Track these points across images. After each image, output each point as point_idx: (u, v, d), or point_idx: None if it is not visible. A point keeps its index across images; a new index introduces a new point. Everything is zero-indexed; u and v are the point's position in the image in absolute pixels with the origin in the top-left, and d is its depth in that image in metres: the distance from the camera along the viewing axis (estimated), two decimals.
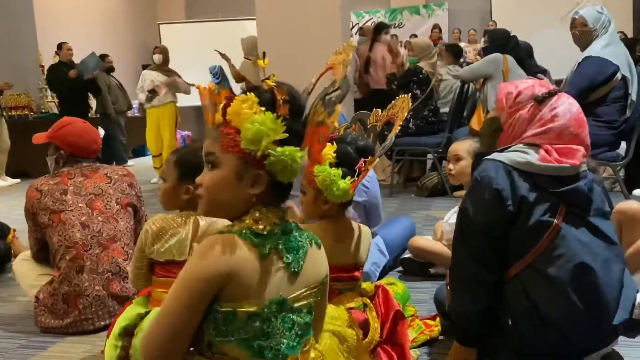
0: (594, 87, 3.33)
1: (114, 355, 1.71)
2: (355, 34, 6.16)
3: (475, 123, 4.41)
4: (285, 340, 1.06)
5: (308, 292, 1.11)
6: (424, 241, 2.67)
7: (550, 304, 1.59)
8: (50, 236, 2.29)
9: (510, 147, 1.72)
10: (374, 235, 2.69)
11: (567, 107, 1.67)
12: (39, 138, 2.41)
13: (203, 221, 1.76)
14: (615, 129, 3.39)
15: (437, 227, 2.76)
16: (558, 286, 1.58)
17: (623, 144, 3.53)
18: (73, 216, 2.27)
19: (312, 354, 1.13)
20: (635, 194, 3.52)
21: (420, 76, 4.73)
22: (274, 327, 1.05)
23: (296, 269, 1.09)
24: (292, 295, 1.08)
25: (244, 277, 1.03)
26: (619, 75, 3.34)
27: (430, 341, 1.97)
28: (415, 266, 2.69)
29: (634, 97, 3.38)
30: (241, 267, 1.03)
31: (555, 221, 1.61)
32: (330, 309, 1.58)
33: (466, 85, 4.91)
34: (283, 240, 1.09)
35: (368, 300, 1.81)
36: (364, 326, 1.69)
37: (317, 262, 1.15)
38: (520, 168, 1.64)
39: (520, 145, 1.70)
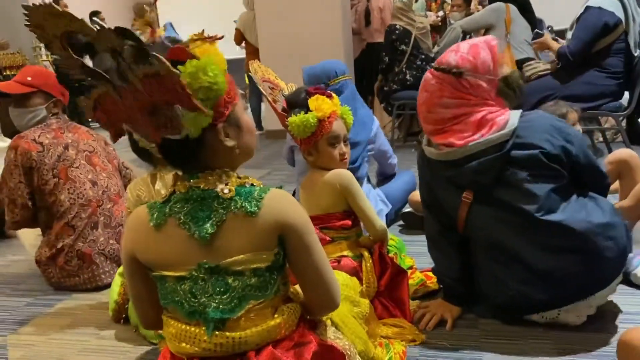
0: (597, 37, 3.29)
1: (115, 291, 1.95)
2: None
3: None
4: (213, 304, 1.03)
5: (251, 257, 1.04)
6: None
7: (490, 267, 1.69)
8: (56, 194, 2.24)
9: None
10: (375, 188, 2.71)
11: (419, 90, 1.72)
12: (12, 87, 2.27)
13: (162, 177, 1.80)
14: (618, 79, 3.37)
15: None
16: (482, 258, 1.69)
17: (626, 94, 3.50)
18: (81, 174, 2.29)
19: (277, 315, 1.08)
20: None
21: (397, 32, 4.70)
22: (202, 290, 1.04)
23: (203, 242, 1.03)
24: (225, 261, 1.03)
25: (143, 250, 1.08)
26: (620, 28, 3.30)
27: (431, 292, 1.99)
28: (416, 220, 2.71)
29: (636, 38, 3.33)
30: (138, 241, 1.09)
31: (463, 200, 1.66)
32: (343, 277, 1.59)
33: (468, 37, 4.82)
34: (187, 210, 1.05)
35: (366, 252, 1.82)
36: (353, 275, 1.71)
37: (250, 231, 1.04)
38: (425, 153, 1.73)
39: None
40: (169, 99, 0.95)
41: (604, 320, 1.71)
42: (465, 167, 1.61)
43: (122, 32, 0.90)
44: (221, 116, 1.03)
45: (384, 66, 4.82)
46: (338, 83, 2.53)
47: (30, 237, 2.46)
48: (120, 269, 1.99)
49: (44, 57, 7.63)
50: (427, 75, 1.69)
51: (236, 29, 6.01)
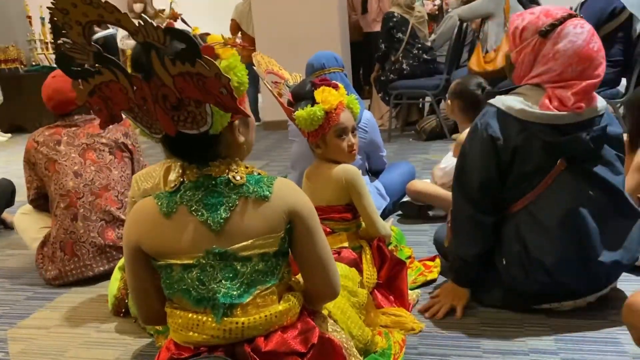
0: (600, 24, 3.29)
1: (115, 286, 1.95)
2: None
3: (474, 63, 4.34)
4: (223, 290, 1.04)
5: (259, 242, 1.06)
6: (422, 184, 2.68)
7: (539, 248, 1.62)
8: (49, 186, 2.34)
9: (516, 87, 1.69)
10: (373, 180, 2.71)
11: (570, 39, 1.56)
12: None
13: (176, 168, 1.79)
14: (617, 68, 3.37)
15: (435, 170, 2.77)
16: (548, 231, 1.61)
17: (623, 81, 3.51)
18: (66, 165, 2.31)
19: (283, 302, 1.09)
20: None
21: (395, 19, 4.70)
22: (210, 277, 1.05)
23: (216, 227, 1.04)
24: (234, 247, 1.05)
25: (150, 240, 1.08)
26: (624, 14, 3.28)
27: (429, 282, 2.00)
28: (414, 209, 2.71)
29: (638, 28, 3.32)
30: (144, 231, 1.09)
31: (553, 169, 1.60)
32: (343, 268, 1.60)
33: (465, 25, 4.80)
34: (198, 197, 1.06)
35: (365, 243, 1.82)
36: (353, 266, 1.71)
37: (262, 214, 1.07)
38: (516, 115, 1.61)
39: (526, 86, 1.65)
40: (203, 98, 0.97)
41: (605, 307, 1.72)
42: (579, 134, 1.57)
43: (169, 32, 0.92)
44: (238, 113, 1.05)
45: (380, 53, 4.81)
46: (324, 75, 2.49)
47: (32, 230, 2.46)
48: (120, 263, 1.99)
49: (39, 51, 7.58)
50: (581, 21, 1.60)
51: (232, 20, 5.98)
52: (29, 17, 7.62)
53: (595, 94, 1.63)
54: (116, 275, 1.97)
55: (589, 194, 1.60)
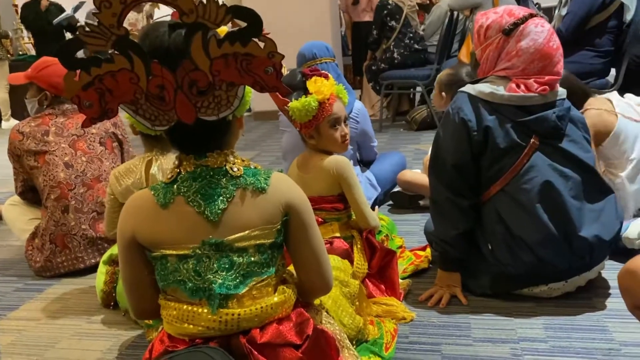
0: (592, 13, 3.30)
1: (101, 280, 1.94)
2: None
3: (464, 54, 4.34)
4: (219, 280, 1.04)
5: (255, 233, 1.07)
6: (412, 174, 2.69)
7: (522, 227, 1.67)
8: (37, 177, 2.30)
9: (483, 78, 1.76)
10: (364, 170, 2.71)
11: (532, 38, 1.66)
12: (17, 78, 2.37)
13: (157, 161, 1.79)
14: (606, 58, 3.39)
15: (425, 160, 2.78)
16: (528, 209, 1.66)
17: (612, 71, 3.52)
18: (56, 156, 2.28)
19: (277, 294, 1.10)
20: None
21: (389, 7, 4.70)
22: (206, 267, 1.05)
23: (214, 218, 1.04)
24: (230, 237, 1.05)
25: (145, 230, 1.07)
26: (614, 5, 3.29)
27: (420, 271, 2.01)
28: (405, 199, 2.72)
29: (628, 17, 3.33)
30: (140, 222, 1.08)
31: (526, 148, 1.67)
32: (335, 260, 1.61)
33: (455, 15, 4.80)
34: (195, 188, 1.06)
35: (356, 233, 1.83)
36: (345, 256, 1.72)
37: (259, 205, 1.07)
38: (485, 99, 1.69)
39: (493, 76, 1.74)
40: (239, 80, 0.97)
41: (594, 295, 1.74)
42: (546, 112, 1.66)
43: (231, 10, 0.92)
44: (279, 91, 1.05)
45: (372, 40, 4.81)
46: (316, 65, 2.48)
47: (21, 222, 2.44)
48: (104, 257, 1.98)
49: (26, 40, 7.49)
50: (542, 21, 1.69)
51: None
52: (15, 5, 7.52)
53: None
54: (101, 269, 1.95)
55: (563, 171, 1.67)
